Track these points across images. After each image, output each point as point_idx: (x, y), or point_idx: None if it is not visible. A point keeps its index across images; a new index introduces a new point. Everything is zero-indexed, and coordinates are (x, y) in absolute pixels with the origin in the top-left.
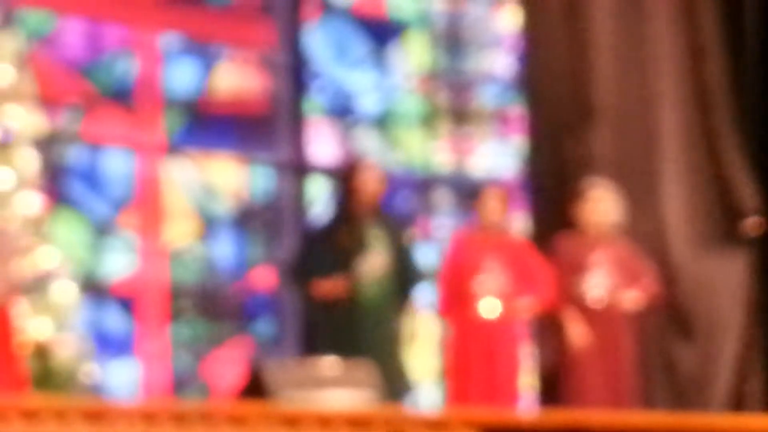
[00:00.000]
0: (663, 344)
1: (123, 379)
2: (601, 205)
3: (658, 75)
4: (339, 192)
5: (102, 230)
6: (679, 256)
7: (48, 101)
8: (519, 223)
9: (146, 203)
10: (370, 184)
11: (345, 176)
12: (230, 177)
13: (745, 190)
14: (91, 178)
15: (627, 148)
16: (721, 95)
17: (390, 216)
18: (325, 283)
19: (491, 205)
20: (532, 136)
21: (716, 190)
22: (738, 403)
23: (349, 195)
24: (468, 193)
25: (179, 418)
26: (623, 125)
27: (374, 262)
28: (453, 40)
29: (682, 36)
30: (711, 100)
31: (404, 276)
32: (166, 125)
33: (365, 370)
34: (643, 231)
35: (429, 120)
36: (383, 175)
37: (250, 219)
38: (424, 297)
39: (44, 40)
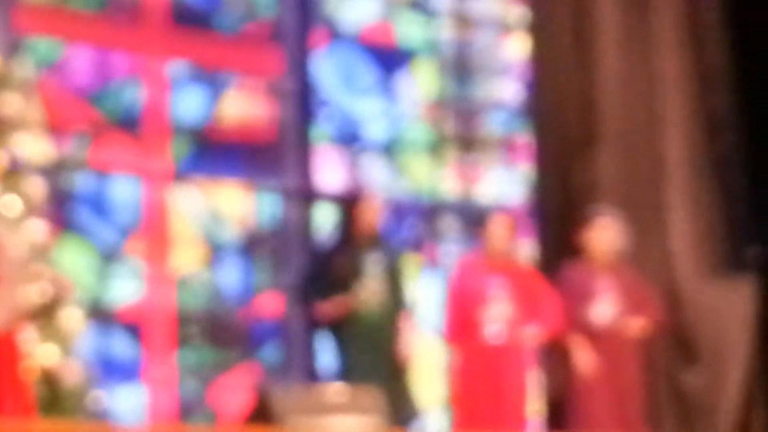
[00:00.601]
0: (669, 370)
1: (129, 405)
2: (608, 233)
3: (665, 102)
4: (340, 219)
5: (108, 257)
6: (684, 283)
7: (55, 128)
8: (525, 249)
9: (153, 230)
10: (368, 213)
11: (346, 204)
12: (237, 204)
13: (751, 218)
14: (98, 205)
15: (633, 174)
16: (729, 122)
17: (388, 243)
18: (326, 305)
19: (498, 232)
20: (539, 163)
21: (722, 217)
22: (744, 430)
23: (350, 223)
24: (475, 220)
25: None
26: (630, 152)
27: (371, 288)
28: (461, 68)
29: (690, 63)
30: (718, 126)
31: (397, 301)
32: (173, 152)
33: (372, 396)
34: (649, 257)
35: (436, 147)
36: (381, 204)
37: (257, 245)
38: (430, 323)
39: (52, 68)
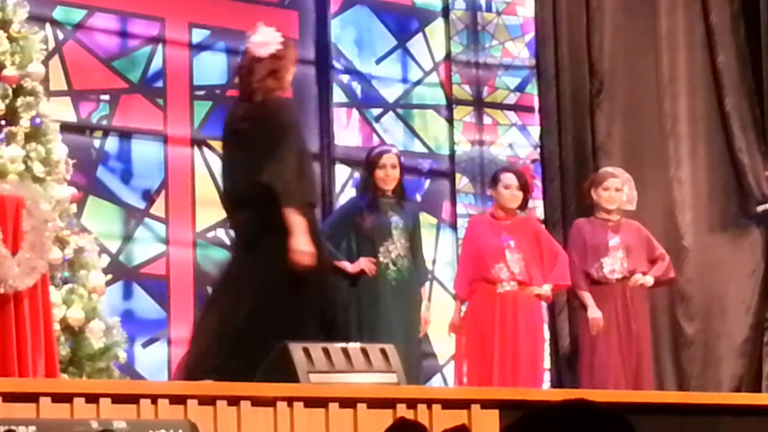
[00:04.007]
0: (675, 324)
1: (154, 363)
2: (620, 192)
3: (671, 59)
4: (361, 179)
5: (133, 218)
6: (691, 237)
7: (79, 92)
8: (535, 207)
9: (176, 191)
10: (385, 170)
11: (364, 164)
12: None
13: (758, 173)
14: (122, 167)
15: (640, 131)
16: (736, 78)
17: (411, 201)
18: (351, 265)
19: (509, 191)
20: (548, 122)
21: (729, 173)
22: (749, 382)
23: (371, 182)
24: (488, 178)
25: (208, 401)
26: (636, 109)
27: (394, 247)
28: (474, 29)
29: (696, 20)
30: (725, 83)
31: (417, 260)
32: (194, 115)
33: (388, 352)
34: (656, 213)
35: (451, 107)
36: (400, 161)
37: None
38: (444, 280)
39: (76, 33)
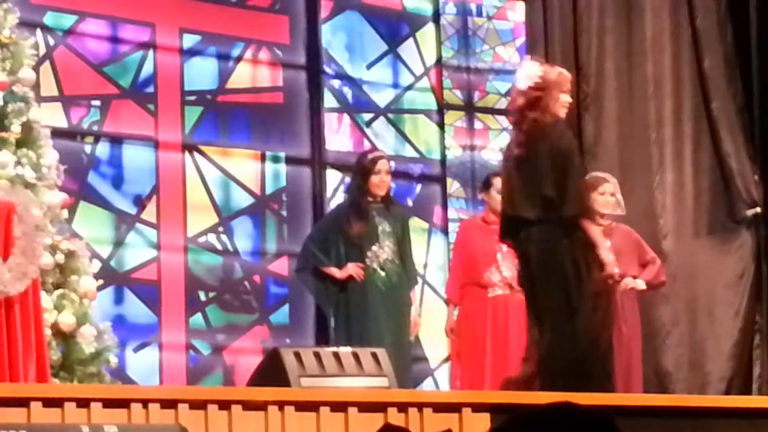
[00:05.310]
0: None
1: (145, 367)
2: (614, 197)
3: (657, 63)
4: (354, 185)
5: (124, 223)
6: (677, 241)
7: (70, 98)
8: None
9: (168, 197)
10: (380, 176)
11: (356, 169)
12: (248, 170)
13: (746, 177)
14: (114, 173)
15: (627, 135)
16: (723, 82)
17: (399, 206)
18: (339, 270)
19: (500, 195)
20: None
21: (716, 177)
22: (739, 385)
23: (365, 188)
24: (480, 183)
25: (199, 406)
26: (623, 113)
27: (382, 251)
28: (465, 34)
29: (681, 24)
30: (711, 87)
31: (407, 265)
32: (185, 120)
33: (379, 356)
34: (643, 217)
35: (442, 112)
36: (391, 168)
37: (268, 212)
38: (436, 284)
39: (66, 39)
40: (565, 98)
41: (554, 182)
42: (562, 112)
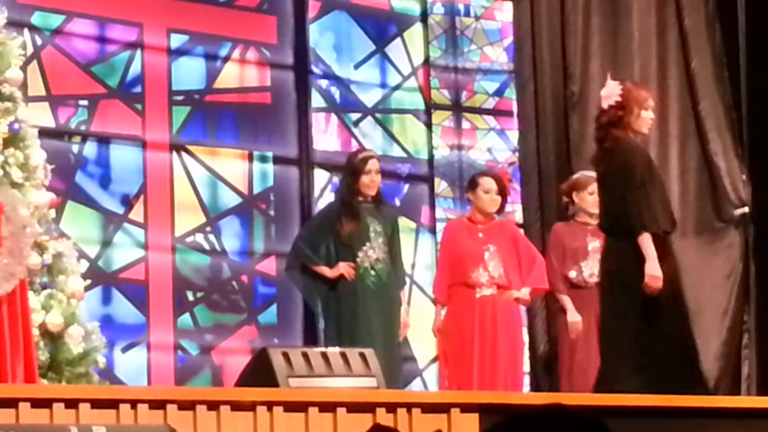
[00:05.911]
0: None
1: (133, 368)
2: (596, 195)
3: (645, 62)
4: (344, 185)
5: (111, 223)
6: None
7: (58, 97)
8: (513, 211)
9: (155, 196)
10: (370, 176)
11: (347, 169)
12: (236, 170)
13: (734, 176)
14: (101, 173)
15: None
16: (711, 82)
17: (388, 206)
18: (330, 270)
19: (489, 195)
20: (527, 126)
21: (704, 176)
22: (727, 385)
23: (355, 188)
24: (466, 183)
25: (188, 406)
26: None
27: (372, 251)
28: (453, 34)
29: (671, 22)
30: (699, 86)
31: (396, 265)
32: (172, 120)
33: (368, 356)
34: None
35: (429, 111)
36: (379, 168)
37: (256, 212)
38: (425, 285)
39: (54, 39)
40: (647, 114)
41: (621, 198)
42: (645, 129)
